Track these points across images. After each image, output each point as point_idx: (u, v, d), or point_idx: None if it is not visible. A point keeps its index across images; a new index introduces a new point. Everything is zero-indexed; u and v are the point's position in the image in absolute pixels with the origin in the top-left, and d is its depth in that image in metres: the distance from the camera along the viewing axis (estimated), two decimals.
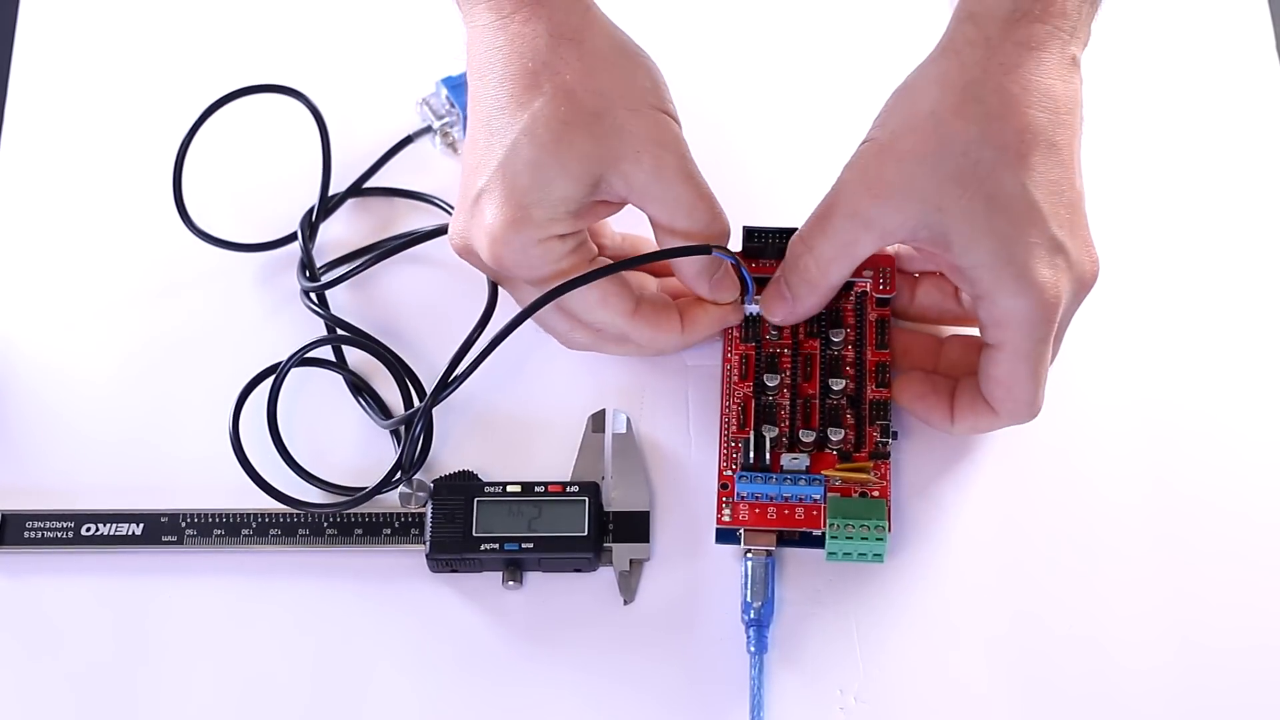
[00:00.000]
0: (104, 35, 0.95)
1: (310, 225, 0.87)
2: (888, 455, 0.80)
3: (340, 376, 0.85)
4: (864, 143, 0.75)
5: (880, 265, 0.81)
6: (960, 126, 0.73)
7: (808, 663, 0.78)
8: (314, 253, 0.87)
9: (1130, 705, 0.77)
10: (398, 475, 0.81)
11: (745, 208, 0.82)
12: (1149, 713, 0.77)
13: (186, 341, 0.86)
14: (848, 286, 0.82)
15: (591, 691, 0.78)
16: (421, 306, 0.87)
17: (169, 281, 0.88)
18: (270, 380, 0.82)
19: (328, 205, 0.88)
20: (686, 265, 0.78)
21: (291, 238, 0.87)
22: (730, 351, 0.82)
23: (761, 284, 0.81)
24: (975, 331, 0.79)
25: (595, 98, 0.74)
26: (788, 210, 0.81)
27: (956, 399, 0.79)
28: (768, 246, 0.81)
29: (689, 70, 0.82)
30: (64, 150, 0.92)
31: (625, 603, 0.80)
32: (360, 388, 0.85)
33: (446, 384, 0.80)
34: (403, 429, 0.82)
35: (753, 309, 0.81)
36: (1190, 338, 0.85)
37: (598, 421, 0.83)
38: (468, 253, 0.79)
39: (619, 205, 0.78)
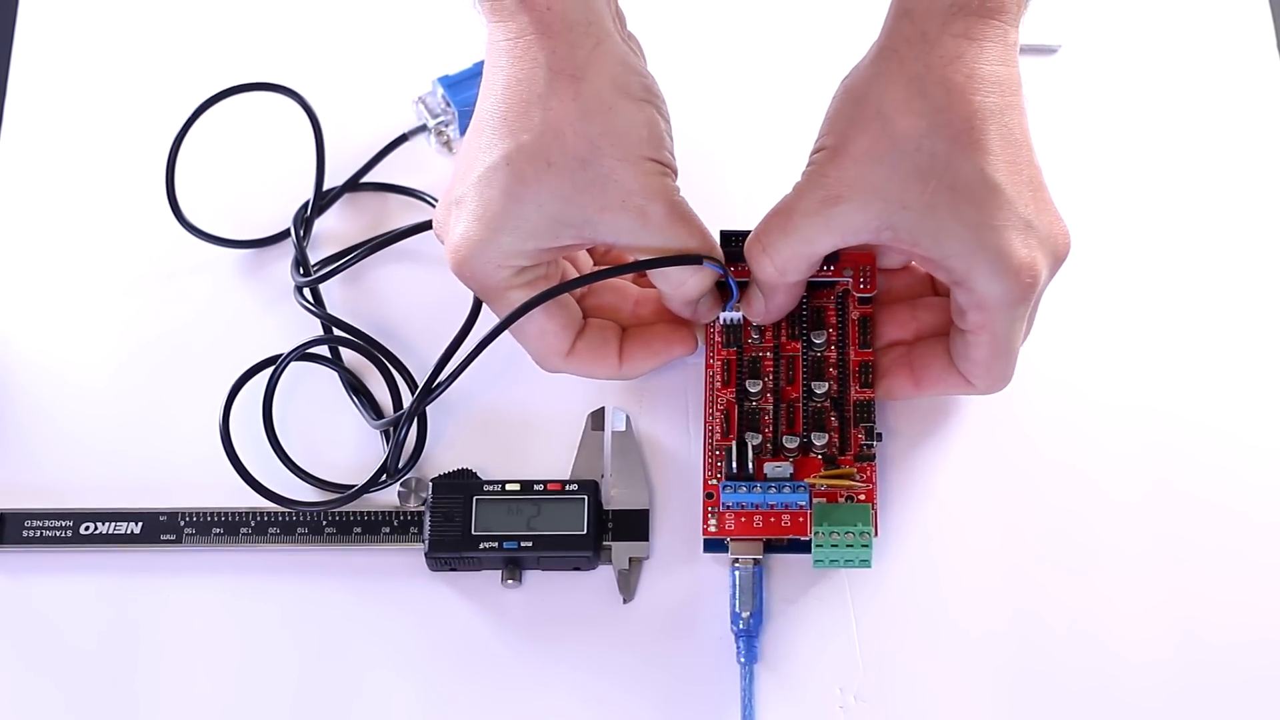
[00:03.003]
0: (99, 33, 0.95)
1: (304, 221, 0.87)
2: (873, 457, 0.80)
3: (335, 374, 0.85)
4: (815, 151, 0.75)
5: (861, 263, 0.81)
6: (909, 123, 0.72)
7: (806, 663, 0.79)
8: (308, 250, 0.87)
9: (1130, 700, 0.78)
10: (384, 477, 0.81)
11: (721, 213, 0.81)
12: (1149, 708, 0.78)
13: (183, 338, 0.86)
14: (829, 285, 0.82)
15: (590, 690, 0.78)
16: (416, 304, 0.87)
17: (164, 279, 0.88)
18: (264, 376, 0.82)
19: (322, 201, 0.88)
20: (675, 295, 0.78)
21: (285, 234, 0.87)
22: (712, 357, 0.82)
23: (742, 288, 0.80)
24: None
25: (584, 143, 0.73)
26: (761, 213, 0.81)
27: (923, 369, 0.80)
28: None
29: (665, 74, 0.81)
30: (59, 148, 0.92)
31: (624, 601, 0.80)
32: (356, 386, 0.85)
33: (431, 389, 0.80)
34: (392, 430, 0.82)
35: (734, 316, 0.80)
36: (1188, 334, 0.85)
37: (597, 419, 0.83)
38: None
39: (591, 244, 0.77)
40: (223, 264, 0.88)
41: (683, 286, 0.77)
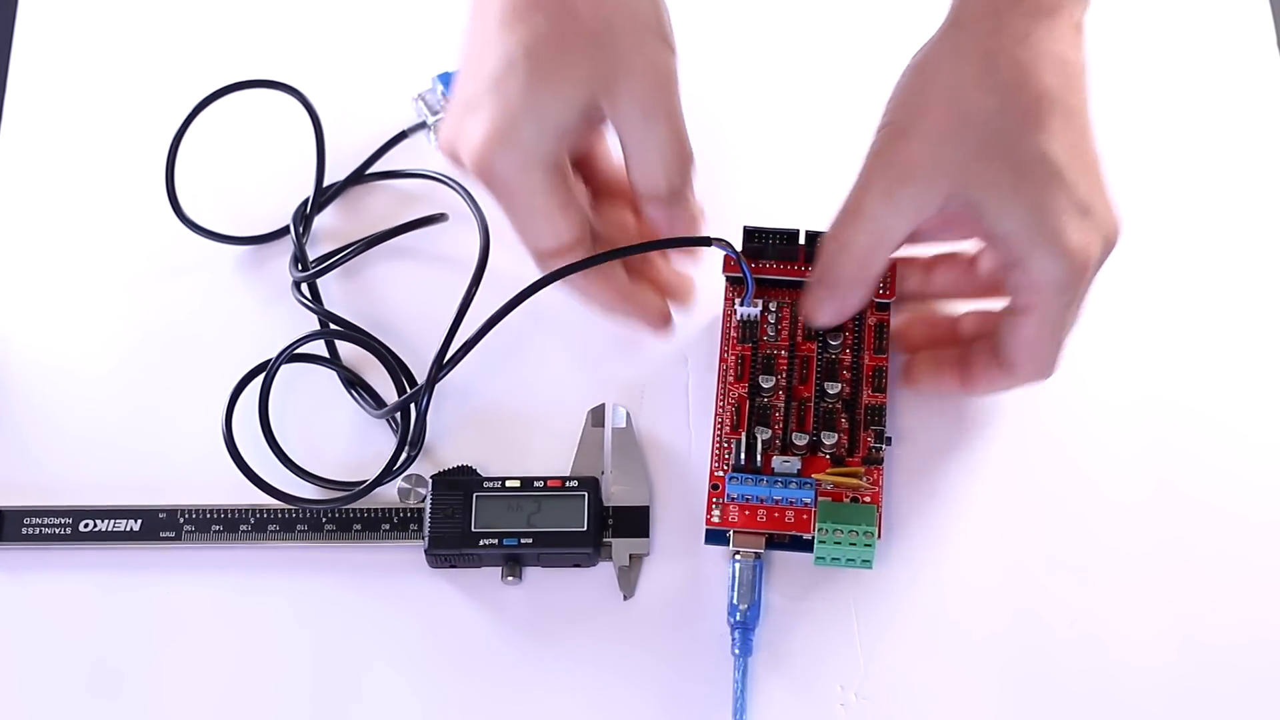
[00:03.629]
0: (99, 30, 0.95)
1: (304, 218, 0.87)
2: (881, 461, 0.80)
3: (333, 372, 0.85)
4: (882, 127, 0.75)
5: None
6: (980, 99, 0.73)
7: (807, 659, 0.78)
8: (308, 246, 0.87)
9: (1131, 702, 0.78)
10: (402, 458, 0.81)
11: (742, 208, 0.82)
12: (1150, 710, 0.77)
13: (183, 335, 0.86)
14: None
15: (591, 687, 0.78)
16: (414, 300, 0.87)
17: (164, 275, 0.88)
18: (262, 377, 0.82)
19: (322, 198, 0.88)
20: (641, 173, 0.77)
21: (285, 231, 0.87)
22: (727, 352, 0.82)
23: (761, 284, 0.81)
24: (988, 304, 0.80)
25: (599, 22, 0.74)
26: (785, 211, 0.81)
27: (970, 365, 0.80)
28: (768, 247, 0.81)
29: (686, 67, 0.82)
30: (59, 144, 0.92)
31: (625, 598, 0.80)
32: (354, 382, 0.85)
33: (443, 363, 0.80)
34: (398, 415, 0.82)
35: (751, 311, 0.80)
36: (1191, 336, 0.85)
37: (597, 416, 0.83)
38: (455, 159, 0.78)
39: (599, 128, 0.78)
40: (222, 260, 0.88)
41: (646, 156, 0.76)
